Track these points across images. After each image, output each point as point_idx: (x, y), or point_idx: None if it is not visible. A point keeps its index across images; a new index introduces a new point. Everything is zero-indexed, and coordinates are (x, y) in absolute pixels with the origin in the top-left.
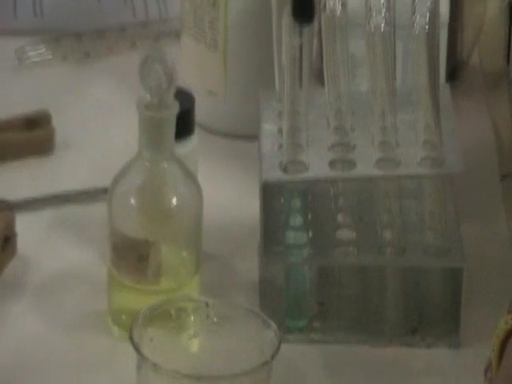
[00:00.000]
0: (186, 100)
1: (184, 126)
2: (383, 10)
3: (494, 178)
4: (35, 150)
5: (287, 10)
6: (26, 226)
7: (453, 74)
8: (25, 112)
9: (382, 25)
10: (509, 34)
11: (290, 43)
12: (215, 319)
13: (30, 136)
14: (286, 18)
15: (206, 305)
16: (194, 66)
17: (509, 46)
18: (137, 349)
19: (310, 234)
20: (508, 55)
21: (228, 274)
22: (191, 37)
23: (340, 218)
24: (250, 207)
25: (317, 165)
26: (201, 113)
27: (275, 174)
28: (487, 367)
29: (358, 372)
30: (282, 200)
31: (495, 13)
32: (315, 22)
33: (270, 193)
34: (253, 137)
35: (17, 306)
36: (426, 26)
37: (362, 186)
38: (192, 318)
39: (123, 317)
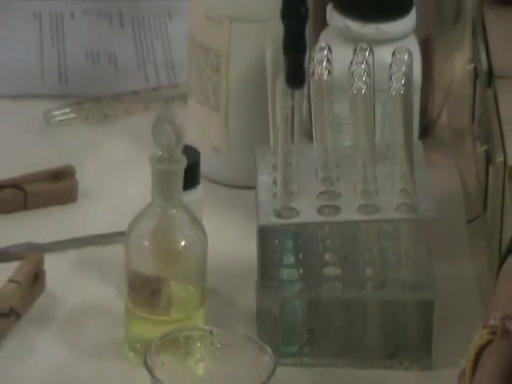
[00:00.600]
0: (192, 155)
1: (191, 177)
2: (364, 76)
3: (461, 222)
4: (61, 200)
5: (281, 76)
6: (53, 265)
7: (425, 132)
8: (52, 166)
9: (363, 89)
10: (473, 95)
11: (283, 105)
12: (218, 346)
13: (56, 187)
14: (280, 83)
15: (211, 333)
16: (199, 125)
17: (473, 107)
18: (150, 372)
19: (301, 270)
20: (473, 115)
21: (229, 306)
22: (197, 100)
23: (327, 257)
24: (248, 248)
25: (306, 211)
26: (205, 166)
27: (270, 220)
28: (461, 374)
29: None
30: (277, 241)
31: (462, 77)
32: (305, 87)
33: (265, 235)
34: (251, 187)
35: (44, 336)
36: (402, 90)
37: (346, 229)
38: (198, 344)
39: (138, 344)
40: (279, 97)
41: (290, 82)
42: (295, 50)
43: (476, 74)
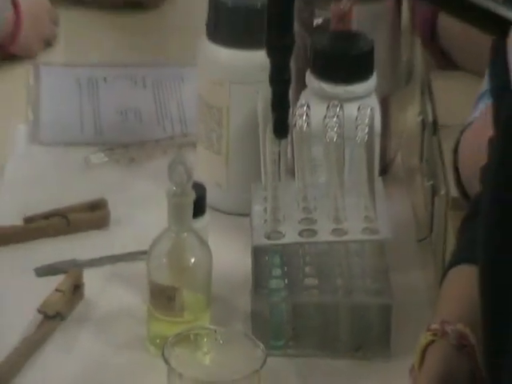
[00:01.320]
0: (199, 190)
1: (198, 207)
2: (335, 127)
3: (413, 242)
4: (96, 225)
5: (270, 127)
6: (90, 278)
7: (384, 170)
8: (89, 199)
9: (335, 137)
10: (422, 141)
11: (271, 150)
12: (221, 341)
13: (92, 216)
14: (269, 134)
15: (215, 331)
16: (205, 166)
17: (422, 150)
18: (167, 362)
19: (286, 281)
20: (421, 156)
21: (229, 309)
22: (203, 146)
23: (307, 270)
24: (245, 263)
25: (290, 233)
26: (210, 198)
27: (262, 241)
28: (411, 369)
29: (320, 376)
30: (267, 258)
31: (412, 126)
32: (289, 136)
33: (258, 253)
34: (247, 214)
35: (83, 333)
36: (365, 138)
37: (321, 248)
38: (205, 340)
39: (157, 340)
40: (268, 144)
41: (276, 133)
42: (281, 107)
43: (424, 124)
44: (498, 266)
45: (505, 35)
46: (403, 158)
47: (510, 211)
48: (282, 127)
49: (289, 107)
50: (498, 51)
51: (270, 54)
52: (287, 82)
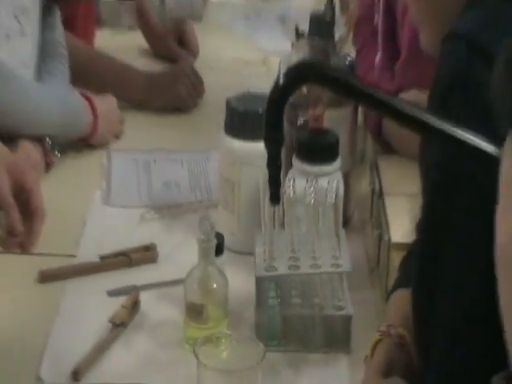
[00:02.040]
0: (219, 237)
1: (219, 249)
2: (312, 194)
3: (366, 272)
4: (149, 261)
5: (268, 196)
6: (145, 298)
7: (345, 223)
8: (144, 243)
9: (312, 201)
10: (371, 203)
11: (269, 210)
12: (234, 342)
13: (146, 254)
14: (267, 200)
15: (230, 335)
16: (223, 221)
17: (371, 209)
18: (197, 357)
19: (279, 300)
20: (371, 213)
21: (240, 320)
22: (222, 207)
23: (293, 292)
24: (250, 287)
25: (282, 267)
26: (227, 242)
27: (262, 273)
28: (365, 359)
29: (302, 365)
30: (266, 284)
31: (365, 192)
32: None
33: (259, 281)
34: (251, 253)
35: (139, 337)
36: (333, 201)
37: (303, 278)
38: (223, 341)
39: (190, 341)
40: (267, 206)
41: (272, 201)
42: (275, 183)
43: (373, 191)
44: (419, 291)
45: (426, 133)
46: (359, 214)
47: (428, 258)
48: (275, 197)
49: (280, 183)
50: (423, 145)
51: (267, 146)
52: (279, 166)
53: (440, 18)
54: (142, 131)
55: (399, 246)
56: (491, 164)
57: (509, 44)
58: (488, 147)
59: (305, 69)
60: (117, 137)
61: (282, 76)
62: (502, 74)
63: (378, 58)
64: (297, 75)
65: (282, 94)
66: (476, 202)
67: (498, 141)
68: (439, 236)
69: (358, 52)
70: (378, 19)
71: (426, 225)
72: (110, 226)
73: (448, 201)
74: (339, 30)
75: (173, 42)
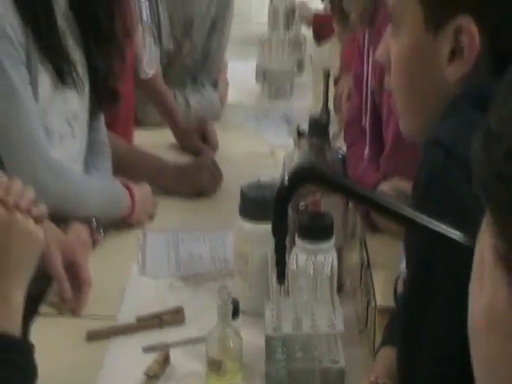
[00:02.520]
0: (235, 302)
1: (234, 312)
2: (312, 268)
3: (356, 332)
4: (177, 323)
5: (275, 272)
6: (174, 353)
7: (339, 289)
8: (173, 306)
9: (312, 273)
10: (360, 273)
11: (276, 282)
12: None
13: (176, 316)
14: (274, 275)
15: None
16: (238, 288)
17: (361, 278)
18: None
19: (285, 356)
20: (360, 281)
21: (252, 372)
22: (237, 276)
23: (296, 348)
24: (261, 344)
25: (287, 328)
26: (242, 306)
27: (271, 332)
28: None
29: None
30: (274, 342)
31: (356, 264)
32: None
33: (268, 339)
34: (262, 314)
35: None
36: (329, 273)
37: (304, 337)
38: None
39: None
40: (274, 279)
41: (278, 279)
42: (280, 264)
43: (362, 263)
44: (403, 354)
45: (408, 224)
46: (350, 282)
47: (410, 329)
48: (282, 276)
49: (285, 265)
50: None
51: (274, 235)
52: (284, 251)
53: (423, 111)
54: (172, 213)
55: (384, 310)
56: (465, 253)
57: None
58: (461, 238)
59: (304, 173)
60: (151, 218)
61: (286, 174)
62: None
63: (365, 152)
64: (298, 178)
65: (286, 193)
66: (451, 285)
67: (471, 233)
68: (419, 312)
69: (349, 147)
70: (366, 121)
71: (408, 299)
72: (145, 293)
73: (426, 282)
74: (333, 128)
75: (196, 138)
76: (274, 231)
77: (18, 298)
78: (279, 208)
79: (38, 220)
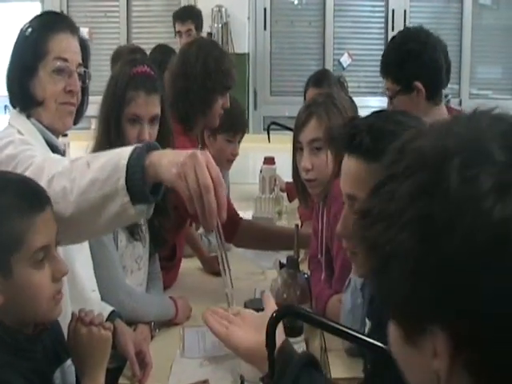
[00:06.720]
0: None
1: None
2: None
3: None
4: None
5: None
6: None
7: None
8: (201, 379)
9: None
10: (320, 355)
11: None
12: None
13: None
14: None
15: None
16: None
17: (321, 359)
18: None
19: None
20: (320, 357)
21: None
22: None
23: None
24: None
25: None
26: (247, 377)
27: None
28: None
29: None
30: None
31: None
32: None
33: None
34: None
35: None
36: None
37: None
38: None
39: None
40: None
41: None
42: (272, 363)
43: (321, 348)
44: None
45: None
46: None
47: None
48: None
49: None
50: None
51: (267, 348)
52: (274, 361)
53: None
54: (200, 314)
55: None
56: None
57: None
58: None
59: (286, 310)
60: (187, 318)
61: (273, 316)
62: None
63: (322, 276)
64: (282, 314)
65: (274, 324)
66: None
67: None
68: None
69: (311, 273)
70: (321, 257)
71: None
72: (184, 369)
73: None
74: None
75: (216, 265)
76: (267, 346)
77: (101, 378)
78: (271, 332)
79: (106, 328)
